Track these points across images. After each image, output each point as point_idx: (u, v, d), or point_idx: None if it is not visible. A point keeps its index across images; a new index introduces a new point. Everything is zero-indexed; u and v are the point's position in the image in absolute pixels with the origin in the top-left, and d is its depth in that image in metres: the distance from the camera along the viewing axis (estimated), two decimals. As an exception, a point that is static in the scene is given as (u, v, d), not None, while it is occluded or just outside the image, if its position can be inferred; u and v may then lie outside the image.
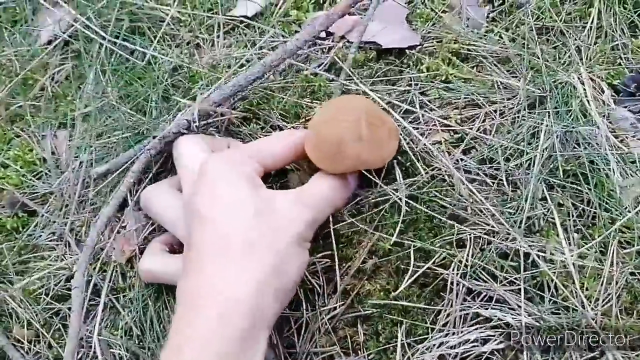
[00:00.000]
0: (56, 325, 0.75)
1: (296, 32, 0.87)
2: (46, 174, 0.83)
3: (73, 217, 0.80)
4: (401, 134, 0.71)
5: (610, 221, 0.64)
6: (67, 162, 0.83)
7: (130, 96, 0.82)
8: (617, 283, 0.62)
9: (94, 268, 0.76)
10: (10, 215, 0.81)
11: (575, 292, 0.61)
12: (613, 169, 0.66)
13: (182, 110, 0.75)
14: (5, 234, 0.80)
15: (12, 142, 0.86)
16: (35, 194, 0.82)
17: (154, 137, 0.74)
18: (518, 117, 0.73)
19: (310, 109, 0.77)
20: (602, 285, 0.61)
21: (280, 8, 0.89)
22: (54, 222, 0.80)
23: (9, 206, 0.81)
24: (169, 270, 0.67)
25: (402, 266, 0.68)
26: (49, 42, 0.91)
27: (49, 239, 0.80)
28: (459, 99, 0.76)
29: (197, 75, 0.82)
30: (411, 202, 0.68)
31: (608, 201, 0.65)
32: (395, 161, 0.70)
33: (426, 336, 0.64)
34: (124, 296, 0.75)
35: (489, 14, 0.82)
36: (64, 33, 0.90)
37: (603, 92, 0.70)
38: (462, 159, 0.72)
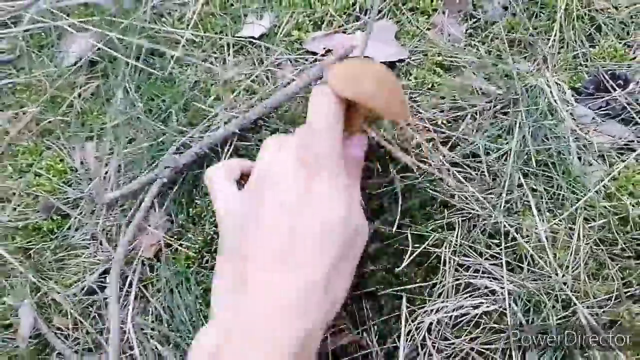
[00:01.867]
0: (92, 314, 0.83)
1: (298, 49, 0.98)
2: (76, 181, 0.92)
3: (103, 219, 0.89)
4: (394, 136, 0.82)
5: (576, 201, 0.75)
6: (95, 170, 0.92)
7: (152, 111, 0.92)
8: (584, 252, 0.72)
9: (124, 262, 0.85)
10: (46, 218, 0.89)
11: (549, 261, 0.72)
12: (578, 157, 0.78)
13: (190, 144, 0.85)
14: (41, 235, 0.89)
15: (43, 154, 0.95)
16: (67, 199, 0.91)
17: (165, 167, 0.84)
18: (495, 117, 0.84)
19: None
20: (571, 255, 0.72)
21: (283, 29, 1.00)
22: (86, 223, 0.88)
23: (43, 210, 0.90)
24: (230, 206, 0.62)
25: (401, 247, 0.78)
26: (75, 63, 1.01)
27: (82, 239, 0.88)
28: (444, 103, 0.87)
29: (212, 90, 0.93)
30: (407, 193, 0.79)
31: (574, 185, 0.77)
32: (388, 157, 0.81)
33: (424, 305, 0.74)
34: (152, 285, 0.84)
35: (467, 30, 0.94)
36: (89, 54, 1.00)
37: (566, 93, 0.82)
38: (449, 154, 0.83)
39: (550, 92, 0.81)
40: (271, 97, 0.88)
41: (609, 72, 0.81)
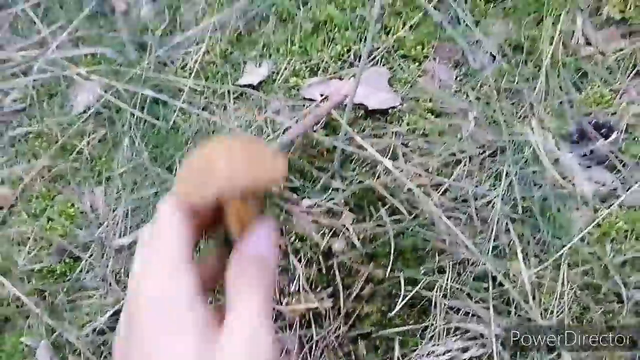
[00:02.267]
0: (104, 353, 0.88)
1: (295, 95, 1.03)
2: (87, 225, 0.97)
3: (112, 262, 0.93)
4: (388, 181, 0.86)
5: (561, 247, 0.79)
6: (104, 214, 0.97)
7: (157, 159, 0.97)
8: (568, 297, 0.76)
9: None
10: (59, 261, 0.94)
11: (535, 306, 0.76)
12: (563, 204, 0.81)
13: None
14: (55, 277, 0.93)
15: (55, 199, 1.00)
16: (78, 243, 0.96)
17: None
18: (483, 163, 0.88)
19: (311, 164, 0.92)
20: (556, 299, 0.76)
21: (281, 76, 1.05)
22: (97, 266, 0.93)
23: (57, 254, 0.95)
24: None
25: (394, 291, 0.82)
26: (84, 112, 1.06)
27: (93, 281, 0.93)
28: (435, 149, 0.92)
29: (214, 136, 0.97)
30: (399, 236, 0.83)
31: (559, 231, 0.80)
32: (380, 203, 0.85)
33: (417, 347, 0.78)
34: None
35: (457, 76, 0.99)
36: (97, 102, 1.05)
37: (550, 141, 0.85)
38: (439, 199, 0.87)
39: (535, 140, 0.85)
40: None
41: (592, 122, 0.85)
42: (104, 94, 1.04)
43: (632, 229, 0.78)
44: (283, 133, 0.96)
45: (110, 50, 1.09)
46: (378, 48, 1.03)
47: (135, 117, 1.00)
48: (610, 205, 0.80)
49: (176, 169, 0.95)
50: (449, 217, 0.85)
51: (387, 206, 0.86)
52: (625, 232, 0.79)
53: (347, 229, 0.87)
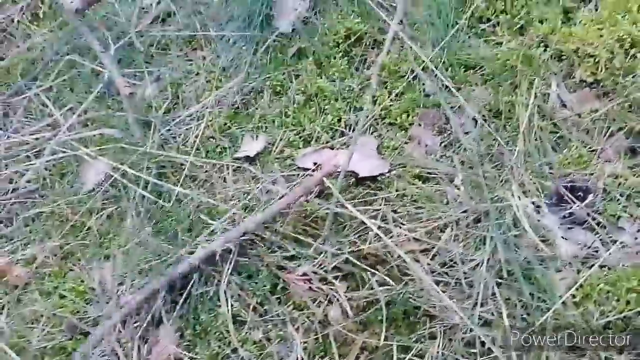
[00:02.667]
0: None
1: (290, 165, 1.08)
2: (96, 301, 1.02)
3: (119, 335, 0.98)
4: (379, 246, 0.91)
5: (546, 310, 0.81)
6: (112, 289, 1.02)
7: (160, 232, 1.02)
8: (555, 361, 0.78)
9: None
10: (70, 338, 0.99)
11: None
12: (545, 267, 0.84)
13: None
14: (66, 355, 0.98)
15: (67, 276, 1.06)
16: (88, 318, 1.01)
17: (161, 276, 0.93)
18: (469, 228, 0.92)
19: (306, 232, 0.97)
20: (544, 364, 0.78)
21: (276, 147, 1.11)
22: (105, 339, 0.97)
23: (68, 331, 0.99)
24: None
25: (387, 359, 0.84)
26: (93, 190, 1.12)
27: (101, 355, 0.97)
28: (423, 214, 0.96)
29: (214, 210, 1.03)
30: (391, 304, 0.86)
31: (543, 294, 0.83)
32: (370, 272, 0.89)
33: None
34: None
35: (442, 141, 1.03)
36: (104, 181, 1.12)
37: (529, 205, 0.89)
38: (428, 264, 0.90)
39: (516, 205, 0.88)
40: (260, 214, 0.97)
41: (569, 185, 0.89)
42: (111, 173, 1.11)
43: (613, 290, 0.80)
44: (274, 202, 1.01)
45: (117, 130, 1.16)
46: (367, 116, 1.08)
47: (139, 195, 1.06)
48: (591, 267, 0.83)
49: (178, 241, 1.00)
50: (438, 282, 0.89)
51: (378, 274, 0.90)
52: (607, 294, 0.81)
53: (340, 296, 0.91)
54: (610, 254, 0.83)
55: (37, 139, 1.22)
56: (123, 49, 1.30)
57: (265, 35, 1.24)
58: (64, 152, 1.16)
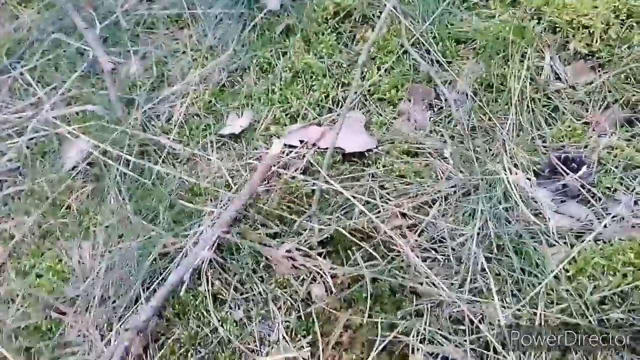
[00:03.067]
0: (86, 411, 0.88)
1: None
2: (73, 280, 0.99)
3: (96, 316, 0.94)
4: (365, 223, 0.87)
5: (537, 285, 0.78)
6: (91, 268, 0.99)
7: (141, 211, 0.99)
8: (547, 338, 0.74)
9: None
10: (45, 317, 0.95)
11: (511, 349, 0.74)
12: (537, 241, 0.81)
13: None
14: (40, 334, 0.94)
15: (44, 255, 1.02)
16: (65, 298, 0.97)
17: (126, 330, 0.85)
18: (458, 202, 0.88)
19: (290, 209, 0.93)
20: (536, 340, 0.74)
21: (262, 124, 1.08)
22: (81, 321, 0.94)
23: (43, 310, 0.96)
24: None
25: (372, 337, 0.81)
26: (73, 168, 1.09)
27: (77, 336, 0.94)
28: (411, 190, 0.92)
29: (195, 187, 0.99)
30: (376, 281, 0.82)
31: (535, 268, 0.79)
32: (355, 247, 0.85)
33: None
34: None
35: (431, 117, 1.00)
36: (85, 159, 1.09)
37: (524, 176, 0.85)
38: (416, 240, 0.87)
39: (507, 177, 0.84)
40: (245, 187, 0.94)
41: (562, 156, 0.85)
42: (92, 152, 1.08)
43: (608, 264, 0.76)
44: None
45: (100, 107, 1.13)
46: (355, 92, 1.05)
47: (120, 172, 1.03)
48: (583, 241, 0.79)
49: (160, 221, 0.97)
50: (425, 259, 0.85)
51: (363, 250, 0.86)
52: (602, 268, 0.77)
53: (324, 273, 0.87)
54: (605, 227, 0.79)
55: (19, 117, 1.19)
56: (108, 28, 1.28)
57: (253, 12, 1.21)
58: (46, 130, 1.13)
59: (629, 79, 0.93)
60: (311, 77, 1.10)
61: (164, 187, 1.00)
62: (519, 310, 0.76)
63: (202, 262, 0.91)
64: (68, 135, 1.11)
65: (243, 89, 1.14)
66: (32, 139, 1.15)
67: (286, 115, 1.08)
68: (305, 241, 0.91)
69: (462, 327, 0.79)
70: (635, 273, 0.76)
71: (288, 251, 0.92)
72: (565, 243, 0.81)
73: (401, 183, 0.93)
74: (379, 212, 0.91)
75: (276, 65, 1.14)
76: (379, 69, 1.07)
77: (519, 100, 0.94)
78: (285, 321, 0.86)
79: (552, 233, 0.80)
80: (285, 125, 1.07)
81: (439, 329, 0.79)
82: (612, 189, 0.85)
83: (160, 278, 0.92)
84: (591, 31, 0.96)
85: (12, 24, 1.38)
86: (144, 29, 1.28)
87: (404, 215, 0.90)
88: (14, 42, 1.33)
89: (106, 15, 1.29)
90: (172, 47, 1.24)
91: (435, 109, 1.01)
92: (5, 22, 1.40)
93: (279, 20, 1.20)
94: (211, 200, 0.98)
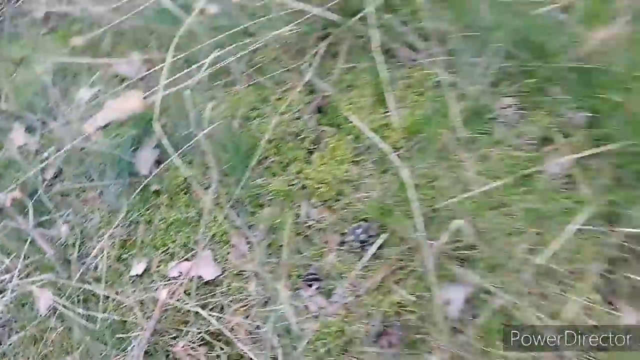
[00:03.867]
0: None
1: (164, 276, 1.73)
2: None
3: None
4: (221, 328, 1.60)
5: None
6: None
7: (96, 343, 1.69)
8: None
9: None
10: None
11: None
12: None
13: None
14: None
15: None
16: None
17: None
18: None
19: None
20: None
21: (155, 265, 1.75)
22: None
23: None
24: None
25: None
26: (46, 314, 1.76)
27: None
28: (249, 299, 1.64)
29: (126, 322, 1.69)
30: None
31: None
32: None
33: None
34: None
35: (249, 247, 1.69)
36: (51, 307, 1.76)
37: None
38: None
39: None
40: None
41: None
42: (53, 302, 1.74)
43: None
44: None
45: (52, 274, 1.78)
46: (205, 238, 1.71)
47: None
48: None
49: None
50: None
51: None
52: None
53: None
54: None
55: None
56: (36, 202, 1.88)
57: (134, 178, 1.83)
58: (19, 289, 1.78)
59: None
60: (176, 228, 1.76)
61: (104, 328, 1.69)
62: None
63: None
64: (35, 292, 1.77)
65: (138, 239, 1.79)
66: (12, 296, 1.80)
67: (168, 255, 1.75)
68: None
69: None
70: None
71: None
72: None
73: (242, 296, 1.64)
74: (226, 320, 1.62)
75: (153, 219, 1.79)
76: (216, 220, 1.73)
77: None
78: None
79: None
80: (168, 263, 1.74)
81: None
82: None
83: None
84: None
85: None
86: (63, 196, 1.89)
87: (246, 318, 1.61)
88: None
89: (32, 193, 1.89)
90: (84, 211, 1.86)
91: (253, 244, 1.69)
92: None
93: (150, 182, 1.83)
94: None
